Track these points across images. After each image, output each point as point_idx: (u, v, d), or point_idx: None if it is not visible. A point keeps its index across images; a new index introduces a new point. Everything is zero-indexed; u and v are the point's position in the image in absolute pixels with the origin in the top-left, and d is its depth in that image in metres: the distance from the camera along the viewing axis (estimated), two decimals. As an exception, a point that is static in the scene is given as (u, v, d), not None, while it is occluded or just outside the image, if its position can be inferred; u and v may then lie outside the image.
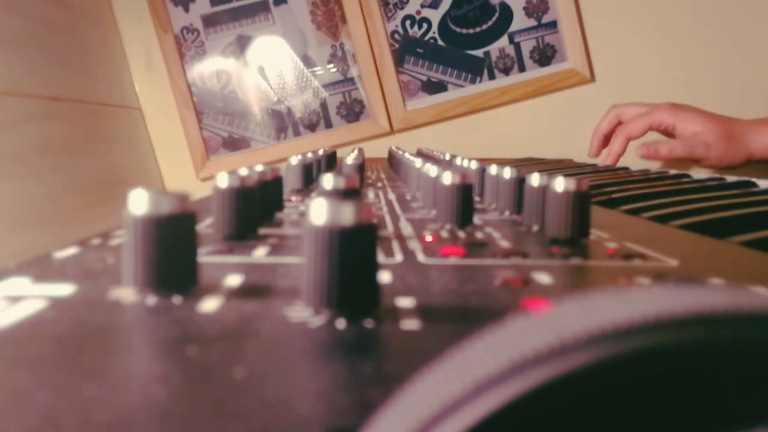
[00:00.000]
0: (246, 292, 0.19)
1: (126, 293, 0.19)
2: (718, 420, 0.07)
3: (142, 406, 0.11)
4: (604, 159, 0.95)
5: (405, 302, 0.18)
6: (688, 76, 1.11)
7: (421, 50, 1.19)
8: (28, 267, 0.22)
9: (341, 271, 0.16)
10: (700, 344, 0.07)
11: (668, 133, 0.91)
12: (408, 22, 1.19)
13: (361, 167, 0.54)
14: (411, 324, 0.16)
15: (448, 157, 0.63)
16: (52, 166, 0.84)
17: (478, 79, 1.19)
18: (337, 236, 0.16)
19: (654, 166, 1.08)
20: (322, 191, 0.29)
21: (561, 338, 0.07)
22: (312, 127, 1.21)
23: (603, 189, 0.55)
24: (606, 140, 0.95)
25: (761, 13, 1.12)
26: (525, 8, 1.17)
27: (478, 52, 1.18)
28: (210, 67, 1.20)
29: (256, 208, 0.29)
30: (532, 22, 1.17)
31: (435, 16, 1.19)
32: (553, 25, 1.17)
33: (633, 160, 1.04)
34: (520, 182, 0.35)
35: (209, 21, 1.19)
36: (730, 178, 0.63)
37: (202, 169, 1.20)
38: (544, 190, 0.30)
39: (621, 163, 0.91)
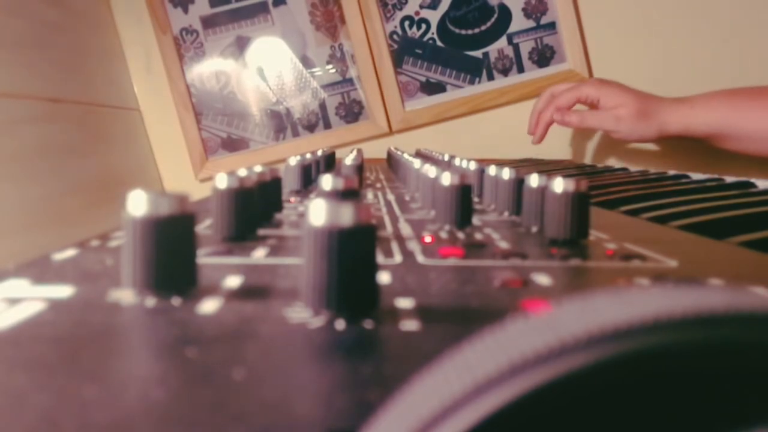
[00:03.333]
0: (245, 293, 0.19)
1: (125, 295, 0.19)
2: (718, 420, 0.07)
3: (142, 407, 0.11)
4: (536, 133, 1.04)
5: (404, 303, 0.18)
6: (686, 77, 1.11)
7: (419, 51, 1.19)
8: (27, 269, 0.22)
9: (340, 272, 0.16)
10: (699, 345, 0.07)
11: (594, 106, 0.97)
12: (407, 23, 1.19)
13: (359, 168, 0.54)
14: (410, 325, 0.16)
15: (446, 157, 0.63)
16: (50, 168, 0.84)
17: (477, 79, 1.19)
18: (336, 237, 0.16)
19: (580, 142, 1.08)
20: (321, 192, 0.29)
21: (560, 339, 0.07)
22: (311, 127, 1.21)
23: (602, 190, 0.55)
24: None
25: (760, 13, 1.12)
26: (524, 9, 1.17)
27: (477, 53, 1.18)
28: (209, 68, 1.20)
29: (255, 209, 0.29)
30: (531, 23, 1.17)
31: (434, 16, 1.19)
32: (551, 26, 1.17)
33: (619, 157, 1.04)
34: (519, 183, 0.35)
35: (208, 22, 1.19)
36: (729, 179, 0.63)
37: (200, 170, 1.20)
38: (543, 190, 0.30)
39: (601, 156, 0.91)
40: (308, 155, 0.56)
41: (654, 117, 0.91)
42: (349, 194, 0.28)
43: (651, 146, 1.10)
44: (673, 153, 1.08)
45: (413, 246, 0.27)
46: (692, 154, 1.03)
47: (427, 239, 0.29)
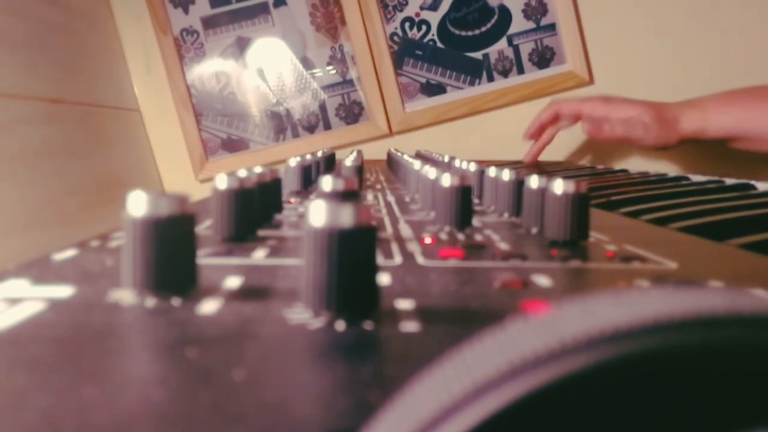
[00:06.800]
0: (245, 294, 0.19)
1: (125, 295, 0.19)
2: (718, 422, 0.07)
3: (141, 408, 0.11)
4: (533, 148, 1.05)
5: (404, 304, 0.18)
6: (686, 78, 1.11)
7: (420, 52, 1.19)
8: (27, 269, 0.22)
9: (340, 273, 0.16)
10: (699, 347, 0.07)
11: (597, 122, 0.97)
12: (407, 24, 1.19)
13: (359, 169, 0.54)
14: (410, 326, 0.16)
15: (446, 159, 0.63)
16: (51, 168, 0.84)
17: (477, 81, 1.19)
18: (336, 238, 0.16)
19: (593, 154, 1.08)
20: (321, 193, 0.29)
21: (560, 341, 0.07)
22: (311, 128, 1.21)
23: (602, 191, 0.55)
24: (541, 130, 1.04)
25: (759, 14, 1.12)
26: (524, 10, 1.17)
27: (477, 55, 1.19)
28: (209, 69, 1.20)
29: (255, 209, 0.29)
30: (531, 25, 1.17)
31: (434, 18, 1.19)
32: (551, 27, 1.17)
33: (626, 161, 1.04)
34: (519, 184, 0.35)
35: (209, 23, 1.19)
36: (729, 181, 0.63)
37: (201, 170, 1.19)
38: (543, 192, 0.30)
39: (614, 161, 0.91)
40: (308, 156, 0.56)
41: (672, 122, 0.91)
42: (349, 195, 0.28)
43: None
44: (677, 156, 1.08)
45: (413, 247, 0.27)
46: (697, 157, 1.03)
47: (427, 240, 0.29)
